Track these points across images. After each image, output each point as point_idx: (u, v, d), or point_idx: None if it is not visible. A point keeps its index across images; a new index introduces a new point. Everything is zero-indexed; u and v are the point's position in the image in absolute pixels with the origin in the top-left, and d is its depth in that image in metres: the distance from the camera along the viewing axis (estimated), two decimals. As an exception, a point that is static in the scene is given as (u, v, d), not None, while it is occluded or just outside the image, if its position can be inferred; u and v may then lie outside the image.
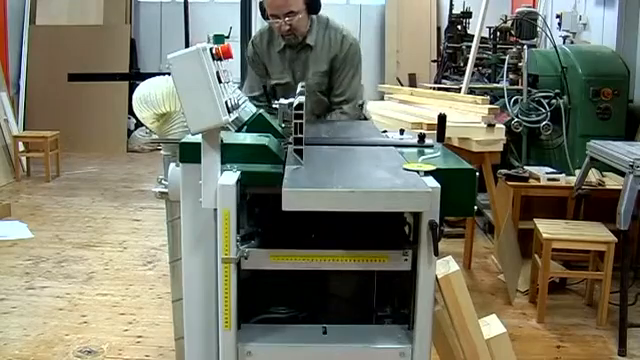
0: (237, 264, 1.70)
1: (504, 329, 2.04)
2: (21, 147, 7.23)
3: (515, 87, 5.44)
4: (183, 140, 1.87)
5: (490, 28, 6.71)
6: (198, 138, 1.77)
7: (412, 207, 1.64)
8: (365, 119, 3.18)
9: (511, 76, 5.55)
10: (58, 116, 8.21)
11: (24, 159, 7.31)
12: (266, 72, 3.11)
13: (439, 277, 1.86)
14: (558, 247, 3.68)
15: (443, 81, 7.37)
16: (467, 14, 7.65)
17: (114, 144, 8.67)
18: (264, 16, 2.97)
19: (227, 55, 1.80)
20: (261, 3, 2.99)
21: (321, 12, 3.04)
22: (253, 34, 3.25)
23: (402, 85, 8.63)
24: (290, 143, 1.90)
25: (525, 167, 4.57)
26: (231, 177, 1.72)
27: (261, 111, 2.22)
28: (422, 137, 2.18)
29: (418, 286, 1.71)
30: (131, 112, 5.92)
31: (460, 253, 4.53)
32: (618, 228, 3.34)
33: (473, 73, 5.86)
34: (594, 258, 3.90)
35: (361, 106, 3.09)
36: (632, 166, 3.27)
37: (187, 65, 1.70)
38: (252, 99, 3.04)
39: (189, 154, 1.82)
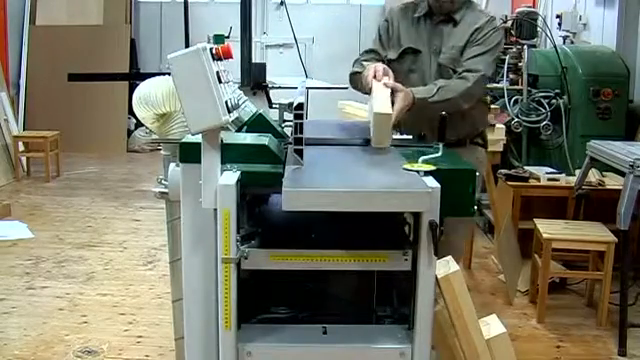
0: (237, 264, 1.70)
1: (504, 329, 2.03)
2: (21, 147, 7.23)
3: (515, 87, 5.44)
4: (183, 140, 1.87)
5: (490, 28, 6.70)
6: (198, 138, 1.77)
7: (412, 207, 1.64)
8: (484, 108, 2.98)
9: (511, 76, 5.54)
10: (58, 116, 8.21)
11: (24, 159, 7.31)
12: (398, 40, 2.88)
13: (439, 277, 1.86)
14: (558, 247, 3.68)
15: (443, 81, 7.36)
16: (467, 14, 7.65)
17: (114, 144, 8.67)
18: None
19: (227, 55, 1.80)
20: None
21: None
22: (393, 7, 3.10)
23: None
24: (290, 143, 1.90)
25: (525, 167, 4.57)
26: (231, 177, 1.72)
27: (261, 111, 2.21)
28: (422, 137, 2.18)
29: (418, 286, 1.71)
30: (131, 112, 5.93)
31: (460, 253, 4.53)
32: (618, 228, 3.34)
33: (473, 73, 5.85)
34: (594, 258, 3.90)
35: (484, 83, 2.81)
36: (632, 166, 3.27)
37: (187, 65, 1.70)
38: (364, 53, 3.02)
39: (189, 154, 1.82)
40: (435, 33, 2.81)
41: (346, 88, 6.77)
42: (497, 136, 4.00)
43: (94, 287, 4.12)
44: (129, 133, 8.87)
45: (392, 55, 2.86)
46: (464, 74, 2.68)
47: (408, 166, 1.78)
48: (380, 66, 2.48)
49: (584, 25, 6.70)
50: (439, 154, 1.96)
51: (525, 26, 5.44)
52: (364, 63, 2.76)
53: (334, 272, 1.86)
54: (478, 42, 2.74)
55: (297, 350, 1.79)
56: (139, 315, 3.70)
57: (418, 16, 2.84)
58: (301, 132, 1.77)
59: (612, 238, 3.54)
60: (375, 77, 2.40)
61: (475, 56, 2.71)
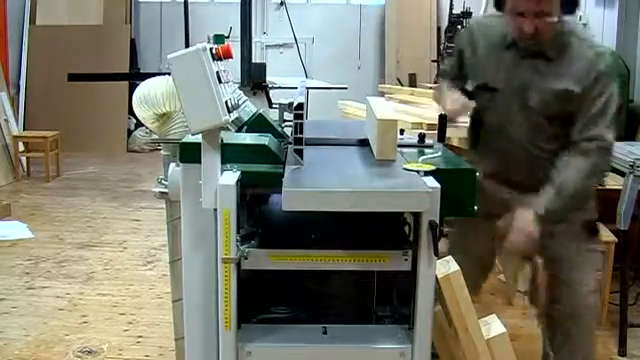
0: (237, 264, 1.70)
1: (504, 329, 2.03)
2: (21, 147, 7.23)
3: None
4: (183, 140, 1.87)
5: (490, 28, 6.70)
6: (198, 138, 1.77)
7: (412, 207, 1.64)
8: (602, 174, 2.44)
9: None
10: (58, 116, 8.21)
11: (24, 159, 7.31)
12: (474, 68, 2.46)
13: (439, 277, 1.86)
14: (558, 247, 3.67)
15: (443, 81, 7.37)
16: (467, 14, 7.66)
17: (114, 144, 8.67)
18: (499, 6, 2.30)
19: (227, 55, 1.80)
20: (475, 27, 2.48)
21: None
22: (471, 21, 2.75)
23: (402, 85, 8.64)
24: (290, 143, 1.90)
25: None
26: (231, 177, 1.72)
27: (261, 111, 2.21)
28: (422, 137, 2.18)
29: (418, 286, 1.71)
30: (131, 112, 5.93)
31: (460, 253, 4.52)
32: (618, 228, 3.34)
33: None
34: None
35: (607, 150, 2.25)
36: (632, 166, 3.27)
37: (187, 65, 1.70)
38: (443, 74, 2.72)
39: (189, 154, 1.82)
40: (522, 68, 2.31)
41: (346, 88, 6.79)
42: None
43: (94, 287, 4.12)
44: (129, 133, 8.87)
45: (468, 86, 2.47)
46: (583, 145, 2.22)
47: (408, 166, 1.78)
48: (458, 101, 2.34)
49: (584, 25, 6.71)
50: (439, 154, 1.97)
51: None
52: (444, 87, 2.52)
53: (334, 272, 1.86)
54: (591, 96, 2.22)
55: (297, 350, 1.79)
56: (139, 315, 3.70)
57: (500, 48, 2.35)
58: (301, 132, 1.77)
59: (612, 238, 3.54)
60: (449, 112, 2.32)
61: (592, 117, 2.22)
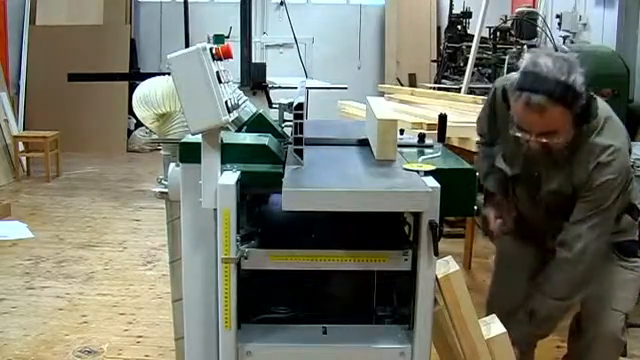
0: (237, 264, 1.70)
1: (504, 329, 2.03)
2: (21, 147, 7.24)
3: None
4: (183, 140, 1.87)
5: (490, 28, 6.71)
6: (198, 138, 1.77)
7: (412, 207, 1.64)
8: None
9: (511, 76, 5.54)
10: (58, 116, 8.21)
11: (24, 159, 7.31)
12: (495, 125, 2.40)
13: (439, 277, 1.86)
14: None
15: (443, 81, 7.38)
16: (467, 14, 7.67)
17: (114, 144, 8.67)
18: (507, 103, 2.15)
19: (227, 55, 1.80)
20: (504, 90, 2.24)
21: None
22: (498, 81, 2.42)
23: (402, 85, 8.64)
24: (290, 143, 1.90)
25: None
26: (231, 177, 1.72)
27: (261, 111, 2.21)
28: (422, 137, 2.18)
29: (418, 286, 1.71)
30: (131, 112, 5.92)
31: (460, 253, 4.53)
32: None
33: (473, 73, 5.87)
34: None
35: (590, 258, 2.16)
36: (632, 166, 3.27)
37: (187, 65, 1.70)
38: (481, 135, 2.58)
39: (189, 154, 1.82)
40: (535, 159, 2.19)
41: (346, 88, 6.79)
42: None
43: (94, 287, 4.12)
44: (129, 133, 8.87)
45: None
46: (563, 248, 2.17)
47: (408, 166, 1.78)
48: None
49: (584, 25, 6.71)
50: (439, 154, 1.96)
51: (525, 26, 5.45)
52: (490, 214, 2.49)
53: (334, 272, 1.86)
54: (587, 196, 2.11)
55: (297, 350, 1.79)
56: (139, 315, 3.70)
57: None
58: (301, 132, 1.77)
59: (612, 238, 3.53)
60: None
61: (580, 220, 2.12)
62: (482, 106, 2.58)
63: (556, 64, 2.00)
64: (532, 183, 2.28)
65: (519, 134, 2.09)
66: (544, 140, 2.05)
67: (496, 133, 2.41)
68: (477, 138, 2.65)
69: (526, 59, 2.05)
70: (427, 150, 2.07)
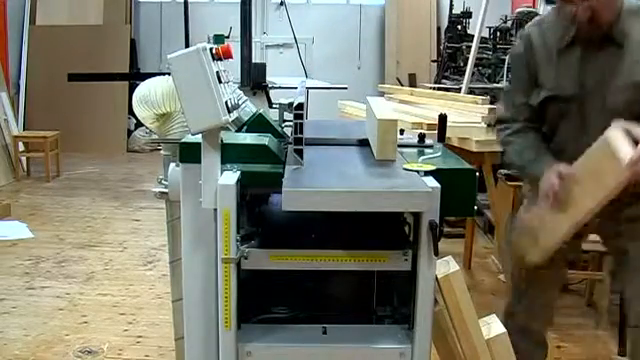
0: (237, 264, 1.70)
1: (504, 329, 2.04)
2: (21, 147, 7.24)
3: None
4: (183, 140, 1.87)
5: (490, 28, 6.71)
6: (198, 138, 1.77)
7: (412, 207, 1.64)
8: None
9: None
10: (58, 116, 8.21)
11: (24, 159, 7.31)
12: (536, 81, 2.17)
13: (439, 277, 1.86)
14: (558, 247, 3.67)
15: (443, 81, 7.38)
16: (467, 14, 7.66)
17: (114, 144, 8.67)
18: None
19: (227, 55, 1.80)
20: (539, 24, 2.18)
21: None
22: (527, 26, 2.25)
23: (402, 85, 8.64)
24: (290, 143, 1.90)
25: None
26: (231, 177, 1.72)
27: (261, 111, 2.21)
28: (422, 137, 2.18)
29: (418, 286, 1.71)
30: (131, 112, 5.93)
31: (460, 253, 4.53)
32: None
33: (473, 73, 5.87)
34: (594, 258, 3.89)
35: None
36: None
37: (187, 65, 1.70)
38: (506, 123, 2.29)
39: (189, 154, 1.82)
40: (595, 63, 2.04)
41: (346, 88, 6.79)
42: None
43: (94, 287, 4.12)
44: (129, 133, 8.87)
45: (532, 101, 2.19)
46: None
47: (408, 166, 1.78)
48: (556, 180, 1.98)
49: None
50: (439, 154, 1.97)
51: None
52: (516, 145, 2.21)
53: (334, 272, 1.86)
54: None
55: (297, 350, 1.79)
56: (139, 315, 3.70)
57: (562, 46, 2.07)
58: (301, 132, 1.77)
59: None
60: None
61: None
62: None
63: None
64: (590, 100, 2.03)
65: (563, 5, 1.95)
66: (588, 4, 1.89)
67: (530, 89, 2.17)
68: (499, 128, 2.35)
69: None
70: (427, 150, 2.07)
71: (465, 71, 5.77)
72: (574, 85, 2.06)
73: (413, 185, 1.64)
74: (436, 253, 1.68)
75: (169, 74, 1.75)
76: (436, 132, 2.36)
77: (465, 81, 5.54)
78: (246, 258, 1.71)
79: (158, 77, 3.39)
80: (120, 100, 8.50)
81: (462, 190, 1.75)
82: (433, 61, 9.29)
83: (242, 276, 1.73)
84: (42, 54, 8.57)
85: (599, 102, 2.04)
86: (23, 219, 5.52)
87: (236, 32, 5.93)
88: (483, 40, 6.23)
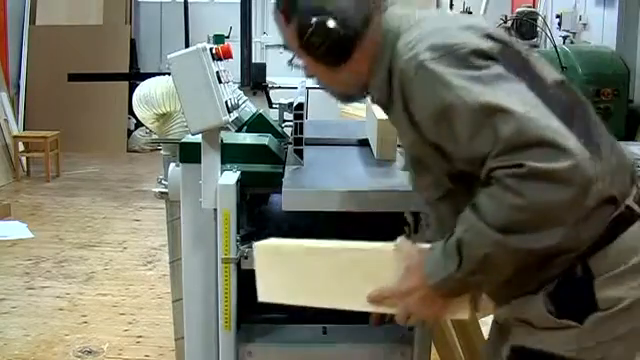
0: (237, 264, 1.70)
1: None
2: (21, 147, 7.23)
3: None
4: (183, 140, 1.87)
5: (490, 28, 6.70)
6: (198, 138, 1.77)
7: (412, 207, 1.64)
8: None
9: (511, 76, 5.54)
10: (58, 116, 8.20)
11: (24, 159, 7.30)
12: None
13: (439, 277, 1.85)
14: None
15: (443, 81, 7.37)
16: (467, 14, 7.67)
17: (114, 144, 8.66)
18: None
19: (227, 55, 1.80)
20: None
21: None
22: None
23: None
24: (290, 143, 1.90)
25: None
26: (231, 177, 1.72)
27: (261, 111, 2.21)
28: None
29: (418, 286, 1.71)
30: (131, 112, 5.93)
31: (460, 253, 4.53)
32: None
33: (473, 73, 5.86)
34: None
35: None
36: (632, 166, 3.27)
37: (187, 65, 1.70)
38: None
39: (189, 154, 1.82)
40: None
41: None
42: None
43: (94, 287, 4.12)
44: (129, 133, 8.87)
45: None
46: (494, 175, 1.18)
47: (408, 166, 1.78)
48: None
49: (584, 25, 6.71)
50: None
51: (525, 26, 5.44)
52: None
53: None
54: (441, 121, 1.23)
55: (297, 350, 1.79)
56: (139, 315, 3.70)
57: None
58: (301, 132, 1.78)
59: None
60: None
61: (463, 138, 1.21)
62: None
63: None
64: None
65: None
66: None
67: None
68: None
69: None
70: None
71: (465, 71, 5.77)
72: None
73: (413, 185, 1.63)
74: (436, 253, 1.67)
75: (169, 74, 1.75)
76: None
77: (465, 81, 5.54)
78: (246, 258, 1.71)
79: (158, 77, 3.40)
80: (120, 100, 8.50)
81: (462, 190, 1.74)
82: (433, 61, 9.28)
83: (242, 276, 1.73)
84: (42, 54, 8.57)
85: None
86: (23, 219, 5.52)
87: (236, 32, 5.94)
88: (483, 40, 6.22)
